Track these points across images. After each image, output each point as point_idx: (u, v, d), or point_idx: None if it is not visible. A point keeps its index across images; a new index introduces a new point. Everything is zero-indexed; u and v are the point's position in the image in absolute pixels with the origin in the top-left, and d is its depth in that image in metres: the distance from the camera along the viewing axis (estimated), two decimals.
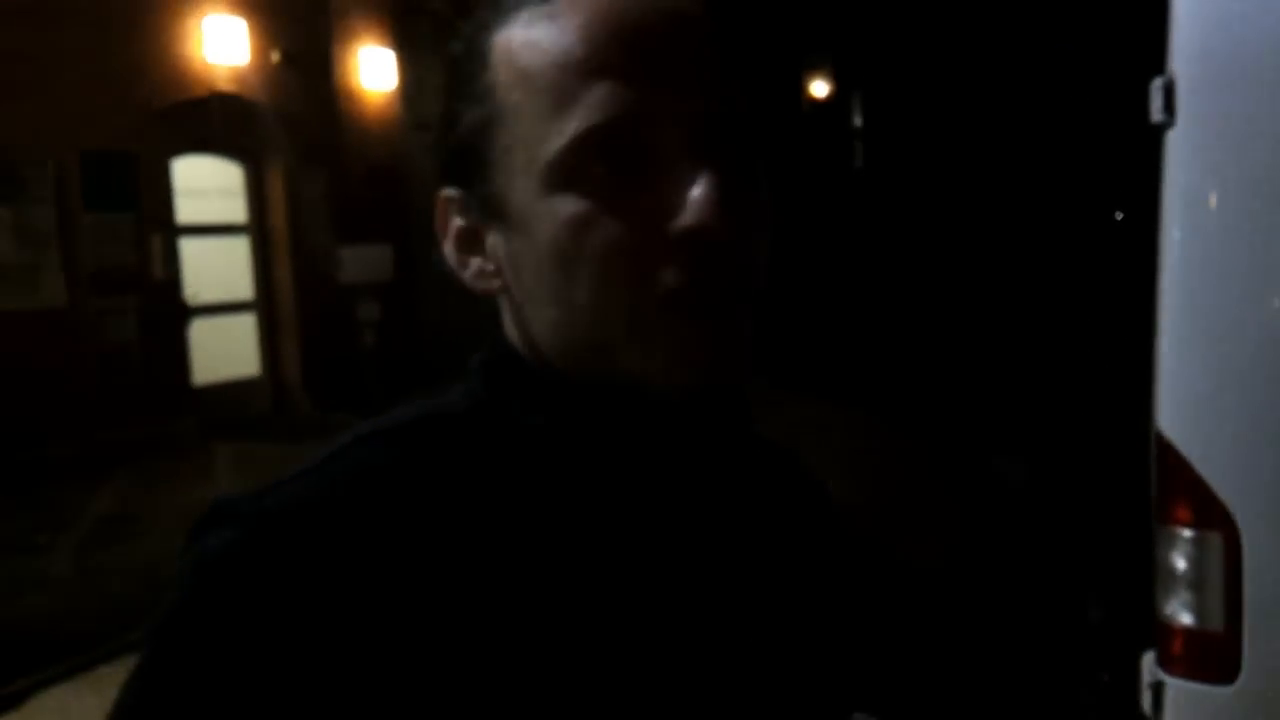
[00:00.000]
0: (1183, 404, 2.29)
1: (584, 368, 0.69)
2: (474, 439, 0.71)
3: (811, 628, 0.78)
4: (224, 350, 10.15)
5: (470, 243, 0.73)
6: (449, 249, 0.74)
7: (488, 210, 0.71)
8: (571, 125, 0.66)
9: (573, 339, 0.69)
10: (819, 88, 19.35)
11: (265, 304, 10.61)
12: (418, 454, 0.70)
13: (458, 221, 0.73)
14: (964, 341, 10.71)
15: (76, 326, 8.60)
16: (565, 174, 0.66)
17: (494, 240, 0.72)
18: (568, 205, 0.66)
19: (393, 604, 0.63)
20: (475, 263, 0.73)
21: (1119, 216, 17.86)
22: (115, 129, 8.72)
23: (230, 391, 10.13)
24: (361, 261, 10.49)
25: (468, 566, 0.65)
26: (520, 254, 0.69)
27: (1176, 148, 2.26)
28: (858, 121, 19.53)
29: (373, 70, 11.28)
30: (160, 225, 9.27)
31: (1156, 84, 2.26)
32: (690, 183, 0.65)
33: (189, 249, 9.65)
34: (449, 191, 0.73)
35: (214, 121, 9.51)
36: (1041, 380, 9.17)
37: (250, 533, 0.65)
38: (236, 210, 10.44)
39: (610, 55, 0.66)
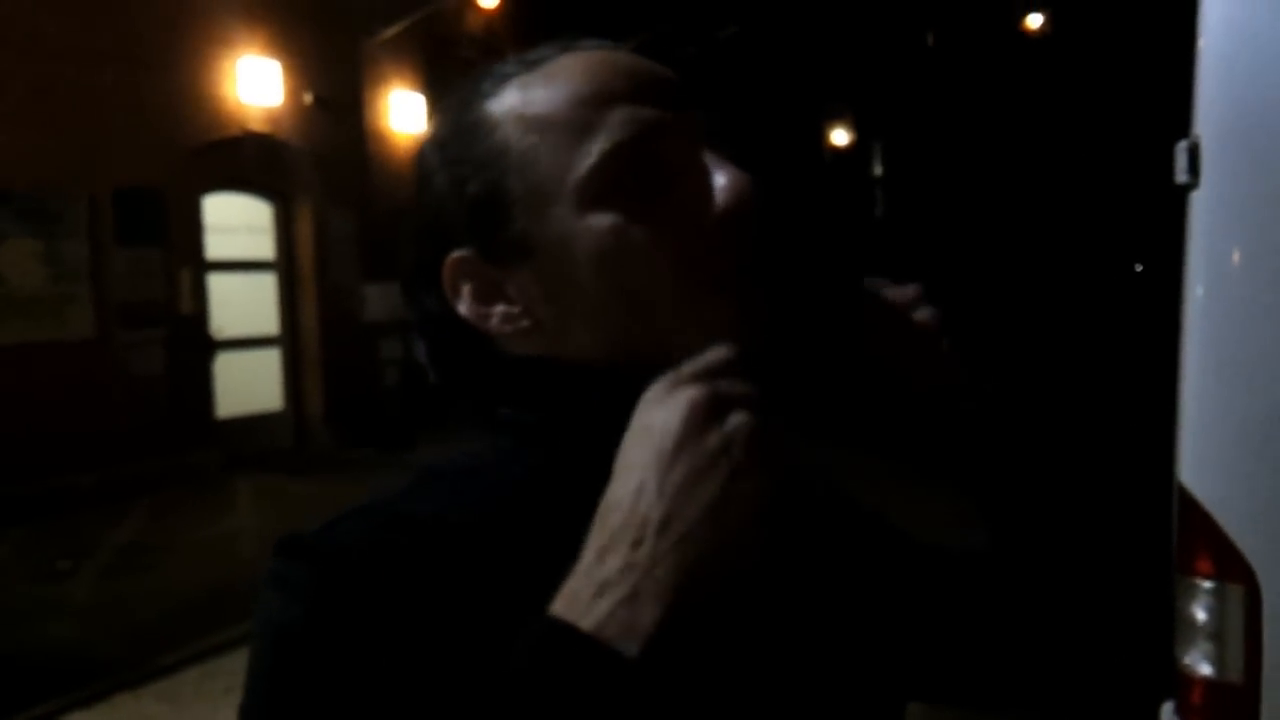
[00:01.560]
0: (1205, 456, 2.32)
1: (638, 364, 0.71)
2: (525, 498, 0.74)
3: (854, 615, 0.81)
4: (248, 384, 10.26)
5: (490, 294, 0.77)
6: (465, 306, 0.77)
7: (512, 254, 0.75)
8: (597, 146, 0.73)
9: (628, 341, 0.73)
10: (840, 136, 19.48)
11: (290, 339, 10.73)
12: (470, 503, 0.74)
13: (473, 278, 0.77)
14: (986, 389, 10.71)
15: (104, 358, 8.72)
16: (597, 190, 0.73)
17: (521, 281, 0.76)
18: (606, 218, 0.73)
19: (446, 634, 0.67)
20: (499, 310, 0.77)
21: (1139, 268, 17.88)
22: (148, 166, 8.90)
23: (253, 425, 10.22)
24: (386, 300, 10.60)
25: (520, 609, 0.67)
26: (560, 278, 0.74)
27: (1200, 207, 2.31)
28: (878, 170, 19.62)
29: (402, 113, 11.47)
30: (189, 260, 9.42)
31: (1181, 146, 2.31)
32: (708, 176, 0.74)
33: (217, 284, 9.80)
34: (459, 253, 0.77)
35: (245, 160, 9.68)
36: (1062, 427, 9.14)
37: (330, 571, 0.68)
38: (264, 247, 10.59)
39: (617, 87, 0.75)
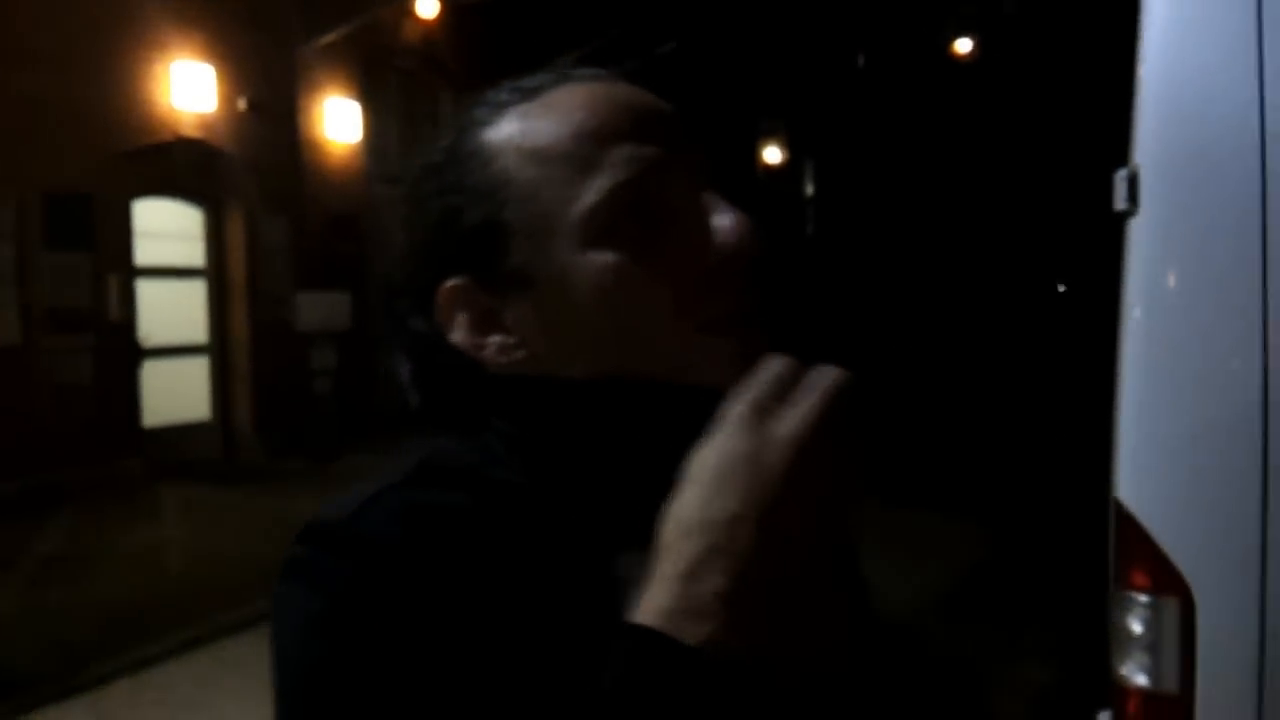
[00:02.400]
0: (1141, 472, 2.40)
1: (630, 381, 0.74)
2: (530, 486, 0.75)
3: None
4: (176, 393, 10.06)
5: (487, 323, 0.77)
6: (460, 335, 0.77)
7: (511, 284, 0.76)
8: (599, 183, 0.74)
9: (628, 373, 0.73)
10: (773, 154, 19.67)
11: (219, 348, 10.55)
12: (481, 494, 0.73)
13: (469, 307, 0.77)
14: (913, 407, 10.87)
15: (29, 365, 8.51)
16: (599, 227, 0.73)
17: (518, 312, 0.76)
18: (607, 255, 0.73)
19: (468, 618, 0.68)
20: (495, 340, 0.77)
21: (1061, 289, 18.31)
22: (78, 170, 8.72)
23: (180, 434, 10.03)
24: (319, 308, 10.47)
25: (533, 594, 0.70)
26: (558, 312, 0.74)
27: (1139, 234, 2.39)
28: (810, 189, 19.83)
29: (337, 121, 11.37)
30: (118, 266, 9.24)
31: (1121, 174, 2.40)
32: (709, 217, 0.75)
33: (146, 291, 9.61)
34: (454, 282, 0.77)
35: (177, 165, 9.52)
36: (995, 444, 9.33)
37: (364, 560, 0.69)
38: (195, 254, 10.42)
39: (620, 122, 0.76)
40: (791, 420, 0.62)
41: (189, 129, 9.65)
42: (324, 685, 0.66)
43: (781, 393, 0.64)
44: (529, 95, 0.79)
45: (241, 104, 10.13)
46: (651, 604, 0.60)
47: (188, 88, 9.57)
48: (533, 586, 0.70)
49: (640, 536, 0.68)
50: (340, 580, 0.68)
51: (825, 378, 0.64)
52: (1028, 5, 15.39)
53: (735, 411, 0.64)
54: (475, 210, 0.76)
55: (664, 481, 0.69)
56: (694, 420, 0.68)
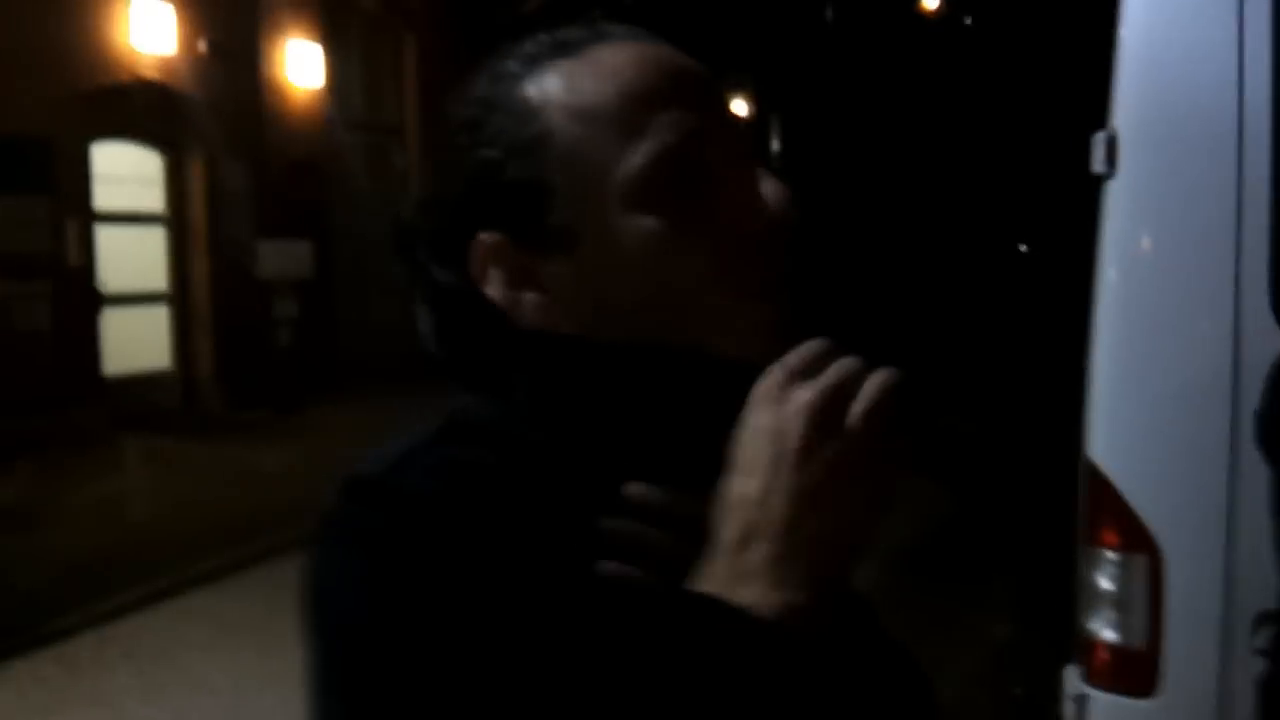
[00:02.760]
0: (1113, 433, 2.43)
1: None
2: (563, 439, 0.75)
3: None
4: (136, 341, 9.93)
5: (522, 280, 0.77)
6: (496, 289, 0.77)
7: (550, 243, 0.75)
8: (646, 146, 0.74)
9: (660, 339, 0.74)
10: (739, 107, 19.60)
11: (180, 296, 10.42)
12: (517, 454, 0.74)
13: (505, 263, 0.77)
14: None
15: None
16: (644, 191, 0.74)
17: (556, 271, 0.76)
18: (651, 218, 0.74)
19: (526, 578, 0.68)
20: (531, 298, 0.77)
21: (1023, 249, 18.45)
22: (34, 112, 8.50)
23: (140, 384, 9.90)
24: (281, 257, 10.35)
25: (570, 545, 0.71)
26: (599, 273, 0.75)
27: (1116, 196, 2.41)
28: (776, 144, 19.80)
29: (300, 65, 11.17)
30: (76, 211, 9.07)
31: (1099, 137, 2.41)
32: (750, 184, 0.76)
33: (105, 237, 9.44)
34: (489, 236, 0.77)
35: (136, 108, 9.33)
36: (962, 402, 9.43)
37: (406, 513, 0.70)
38: (155, 199, 10.25)
39: (666, 87, 0.76)
40: (807, 390, 0.67)
41: (148, 71, 9.44)
42: (374, 644, 0.67)
43: (810, 371, 0.68)
44: (569, 51, 0.78)
45: (202, 46, 9.92)
46: (704, 573, 0.66)
47: (147, 28, 9.36)
48: (564, 546, 0.71)
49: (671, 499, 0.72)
50: (385, 539, 0.68)
51: (869, 373, 0.69)
52: None
53: (763, 388, 0.69)
54: (516, 166, 0.76)
55: (693, 448, 0.72)
56: (727, 391, 0.72)
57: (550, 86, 0.77)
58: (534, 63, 0.78)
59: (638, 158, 0.74)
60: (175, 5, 9.57)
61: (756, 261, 0.75)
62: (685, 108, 0.76)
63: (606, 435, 0.75)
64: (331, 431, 9.16)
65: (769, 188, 0.76)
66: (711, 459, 0.71)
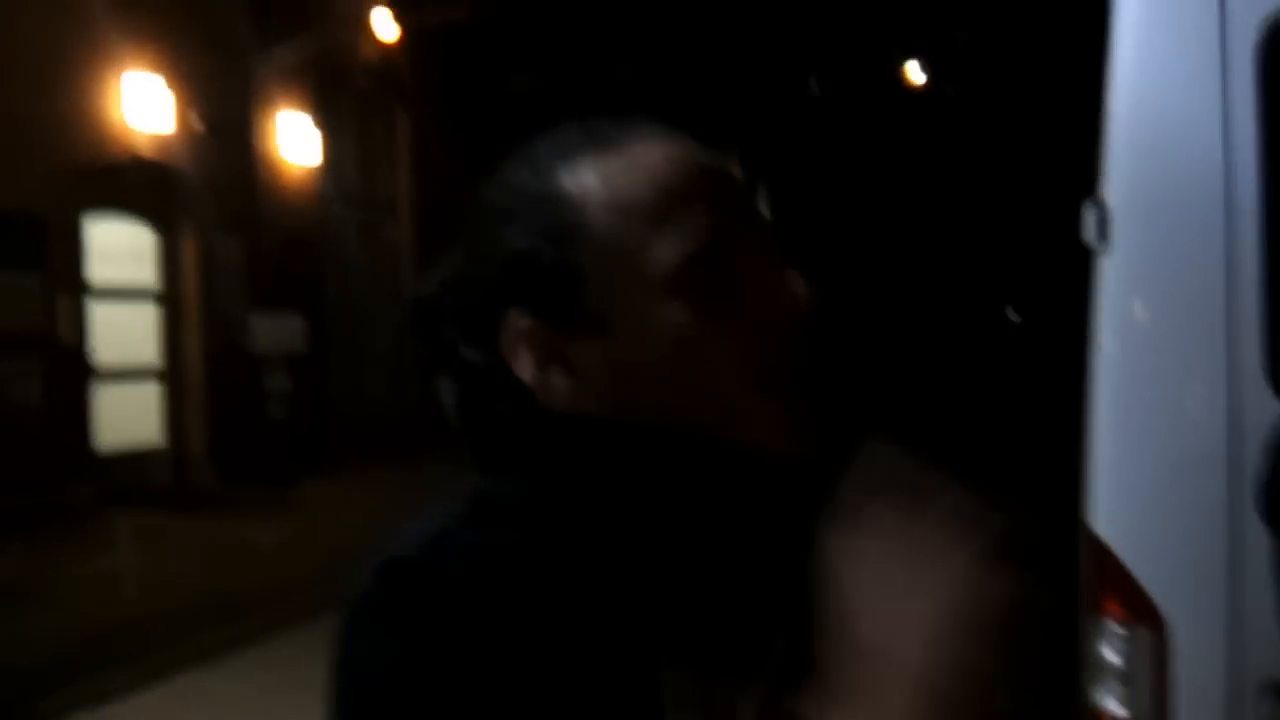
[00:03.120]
0: (1115, 503, 2.43)
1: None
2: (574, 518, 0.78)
3: None
4: (128, 417, 9.90)
5: (552, 363, 0.80)
6: (525, 369, 0.80)
7: (582, 327, 0.79)
8: (679, 240, 0.78)
9: (686, 426, 0.77)
10: None
11: (172, 371, 10.40)
12: (536, 534, 0.76)
13: (537, 345, 0.80)
14: (872, 434, 10.94)
15: None
16: (677, 282, 0.77)
17: (585, 354, 0.79)
18: (682, 309, 0.77)
19: (522, 650, 0.71)
20: (559, 379, 0.79)
21: (1013, 316, 18.56)
22: (28, 188, 8.56)
23: (132, 460, 9.85)
24: (273, 331, 10.36)
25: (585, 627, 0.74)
26: (629, 360, 0.78)
27: (1108, 267, 2.44)
28: (764, 213, 19.97)
29: (294, 141, 11.29)
30: (69, 287, 9.08)
31: (1090, 209, 2.44)
32: (777, 281, 0.80)
33: (98, 312, 9.45)
34: (524, 318, 0.80)
35: (130, 184, 9.40)
36: (957, 470, 9.39)
37: (432, 591, 0.73)
38: (148, 275, 10.28)
39: (697, 185, 0.80)
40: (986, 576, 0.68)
41: (143, 147, 9.53)
42: None
43: (911, 494, 0.71)
44: (604, 145, 0.82)
45: (197, 122, 10.02)
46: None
47: (142, 105, 9.46)
48: (590, 632, 0.73)
49: (692, 594, 0.74)
50: (419, 622, 0.71)
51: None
52: (981, 35, 15.66)
53: (879, 516, 0.70)
54: (551, 251, 0.79)
55: (712, 537, 0.76)
56: (746, 483, 0.76)
57: (586, 178, 0.80)
58: (569, 154, 0.82)
59: (669, 250, 0.77)
60: (171, 82, 9.68)
61: (780, 353, 0.78)
62: (715, 204, 0.80)
63: (628, 520, 0.77)
64: (323, 506, 9.12)
65: (795, 284, 0.80)
66: (728, 549, 0.75)
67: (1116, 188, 2.43)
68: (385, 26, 11.21)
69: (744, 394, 0.77)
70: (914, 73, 16.40)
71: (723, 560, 0.76)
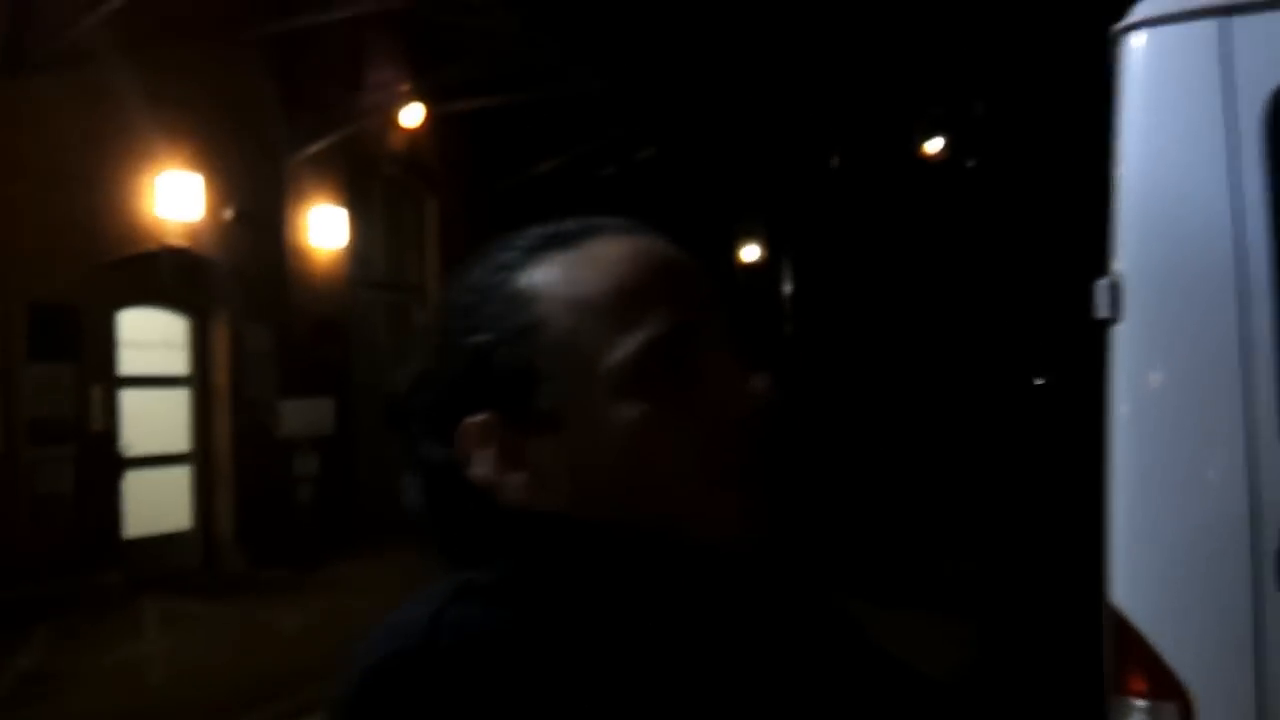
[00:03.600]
0: (1135, 577, 2.41)
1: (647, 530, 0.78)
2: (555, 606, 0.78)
3: None
4: (157, 503, 9.96)
5: (510, 459, 0.80)
6: (482, 469, 0.80)
7: (538, 425, 0.79)
8: (635, 338, 0.78)
9: (640, 520, 0.78)
10: (751, 253, 19.90)
11: (202, 456, 10.48)
12: (520, 616, 0.76)
13: (494, 442, 0.80)
14: (895, 509, 10.84)
15: (10, 475, 8.44)
16: (632, 380, 0.78)
17: (542, 451, 0.79)
18: (637, 406, 0.78)
19: None
20: (515, 476, 0.80)
21: (1039, 382, 18.43)
22: (63, 281, 8.75)
23: (161, 545, 9.89)
24: (302, 415, 10.44)
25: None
26: (584, 456, 0.79)
27: (1123, 339, 2.44)
28: (788, 287, 20.01)
29: (322, 228, 11.48)
30: (101, 377, 9.22)
31: (1103, 283, 2.45)
32: (732, 376, 0.80)
33: (130, 400, 9.57)
34: (479, 417, 0.80)
35: (162, 275, 9.56)
36: (980, 541, 9.30)
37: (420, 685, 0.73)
38: (179, 362, 10.41)
39: (657, 282, 0.81)
40: None
41: (175, 238, 9.72)
42: None
43: None
44: (565, 243, 0.83)
45: (228, 213, 10.23)
46: None
47: (174, 197, 9.66)
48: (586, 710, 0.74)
49: (646, 684, 0.75)
50: (432, 715, 0.71)
51: None
52: (997, 107, 15.79)
53: None
54: (509, 351, 0.80)
55: (667, 626, 0.77)
56: (696, 574, 0.77)
57: (545, 277, 0.81)
58: (530, 254, 0.83)
59: (626, 348, 0.78)
60: (203, 175, 9.90)
61: (733, 449, 0.79)
62: (674, 301, 0.80)
63: (586, 614, 0.77)
64: (349, 588, 9.08)
65: (751, 377, 0.80)
66: (684, 636, 0.77)
67: (1127, 258, 2.44)
68: (410, 113, 11.43)
69: (696, 488, 0.78)
70: (932, 145, 16.52)
71: (685, 651, 0.77)
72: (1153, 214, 2.47)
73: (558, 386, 0.79)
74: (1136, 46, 2.49)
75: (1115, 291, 2.43)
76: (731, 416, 0.78)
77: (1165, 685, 2.30)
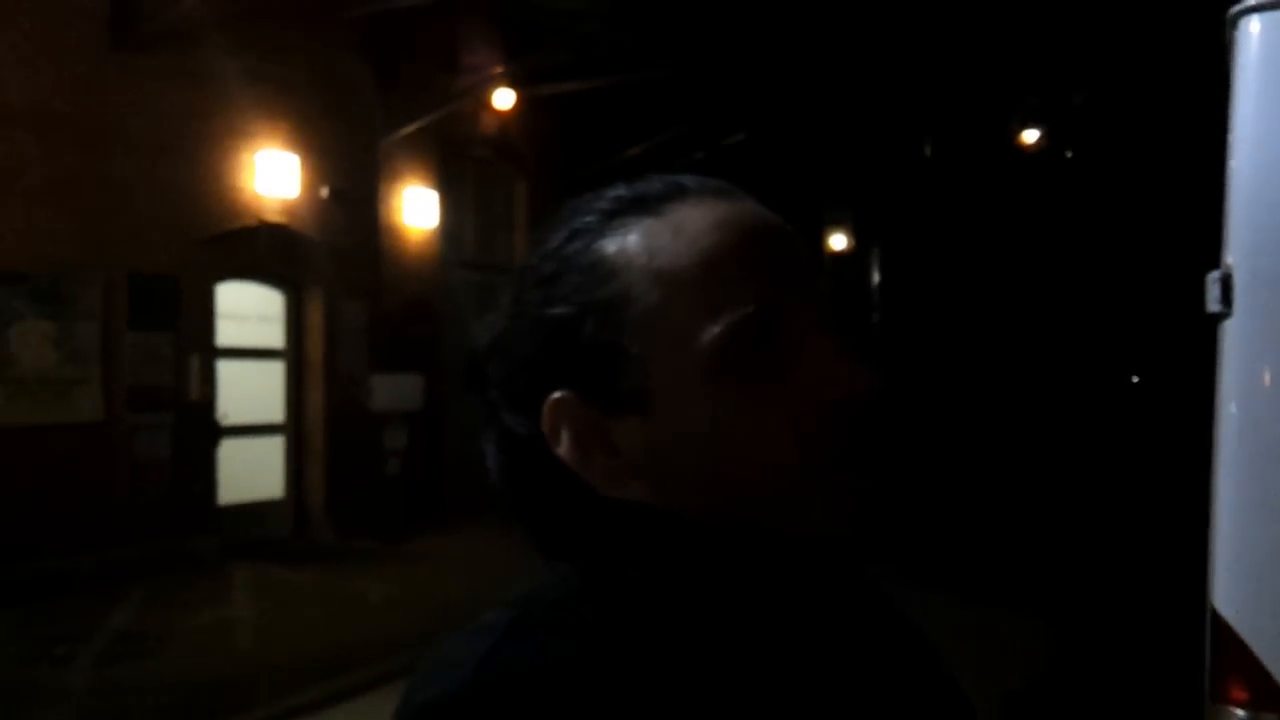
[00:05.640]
0: (1238, 582, 2.34)
1: (731, 527, 0.74)
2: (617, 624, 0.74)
3: None
4: (251, 471, 10.22)
5: (593, 439, 0.76)
6: (568, 450, 0.76)
7: (624, 405, 0.75)
8: (726, 316, 0.73)
9: (726, 507, 0.74)
10: (839, 241, 19.71)
11: (295, 427, 10.72)
12: (564, 652, 0.72)
13: (577, 421, 0.76)
14: (986, 504, 10.68)
15: (110, 441, 8.72)
16: (723, 361, 0.73)
17: (627, 433, 0.75)
18: (729, 389, 0.73)
19: None
20: (599, 457, 0.76)
21: (1135, 380, 18.00)
22: (164, 253, 9.01)
23: (254, 512, 10.16)
24: (393, 390, 10.62)
25: None
26: (672, 440, 0.74)
27: (1233, 334, 2.37)
28: (876, 276, 19.81)
29: (415, 208, 11.64)
30: (199, 347, 9.47)
31: (1214, 276, 2.38)
32: (829, 355, 0.74)
33: (226, 371, 9.83)
34: (562, 394, 0.76)
35: (260, 250, 9.79)
36: (1077, 542, 9.13)
37: None
38: (275, 335, 10.66)
39: (747, 254, 0.75)
40: None
41: (272, 214, 9.93)
42: None
43: None
44: (649, 208, 0.77)
45: (324, 192, 10.42)
46: None
47: (272, 175, 9.87)
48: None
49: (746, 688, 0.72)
50: None
51: None
52: (1096, 97, 15.40)
53: None
54: (592, 325, 0.75)
55: (759, 624, 0.74)
56: (792, 569, 0.74)
57: (629, 246, 0.76)
58: (612, 219, 0.78)
59: (716, 328, 0.73)
60: (299, 154, 10.09)
61: (830, 436, 0.73)
62: (767, 275, 0.75)
63: (674, 613, 0.74)
64: (436, 561, 9.25)
65: (850, 363, 0.74)
66: (777, 634, 0.74)
67: (1239, 251, 2.37)
68: (502, 96, 11.52)
69: (789, 478, 0.73)
70: (1029, 135, 16.18)
71: (780, 651, 0.74)
72: (1267, 205, 2.38)
73: (643, 366, 0.74)
74: (1252, 31, 2.41)
75: (1227, 285, 2.36)
76: (829, 400, 0.73)
77: (1268, 696, 2.23)
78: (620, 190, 0.80)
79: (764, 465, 0.73)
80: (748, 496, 0.73)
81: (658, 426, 0.74)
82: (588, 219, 0.78)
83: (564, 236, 0.78)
